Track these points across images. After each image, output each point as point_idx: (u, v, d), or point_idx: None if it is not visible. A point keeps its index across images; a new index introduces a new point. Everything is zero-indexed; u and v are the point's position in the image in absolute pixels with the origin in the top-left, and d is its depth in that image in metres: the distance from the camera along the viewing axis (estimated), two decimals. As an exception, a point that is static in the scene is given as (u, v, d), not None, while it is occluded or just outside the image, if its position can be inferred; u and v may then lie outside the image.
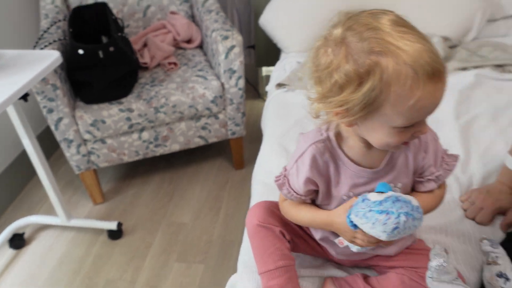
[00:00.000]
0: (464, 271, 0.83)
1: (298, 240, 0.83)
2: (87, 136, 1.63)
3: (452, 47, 1.66)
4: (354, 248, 0.71)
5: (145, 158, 2.00)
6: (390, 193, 0.64)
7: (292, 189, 0.75)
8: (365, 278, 0.79)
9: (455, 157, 0.75)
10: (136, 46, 1.85)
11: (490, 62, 1.52)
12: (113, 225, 1.64)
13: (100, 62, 1.53)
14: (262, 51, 2.31)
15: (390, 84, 0.55)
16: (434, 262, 0.69)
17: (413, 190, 0.76)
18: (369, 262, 0.82)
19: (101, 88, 1.58)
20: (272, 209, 0.84)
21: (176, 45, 1.97)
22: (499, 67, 1.51)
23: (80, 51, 1.49)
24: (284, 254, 0.79)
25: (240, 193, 1.89)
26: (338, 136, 0.71)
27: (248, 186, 1.89)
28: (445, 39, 1.66)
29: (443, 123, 1.26)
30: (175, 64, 1.82)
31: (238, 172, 2.00)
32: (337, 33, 0.59)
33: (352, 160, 0.71)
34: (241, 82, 1.73)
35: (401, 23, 0.56)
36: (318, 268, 0.84)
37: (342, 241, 0.72)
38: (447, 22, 1.69)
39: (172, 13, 1.98)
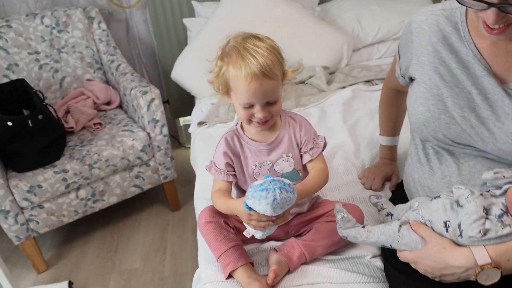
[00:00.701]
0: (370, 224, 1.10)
1: (240, 225, 1.04)
2: (24, 204, 1.68)
3: (332, 73, 2.07)
4: (257, 235, 0.92)
5: (83, 219, 2.06)
6: (269, 177, 0.87)
7: (216, 166, 1.02)
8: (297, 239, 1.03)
9: (322, 138, 1.04)
10: (59, 114, 1.97)
11: (361, 79, 1.94)
12: (64, 285, 1.67)
13: (29, 131, 1.63)
14: (177, 103, 2.56)
15: (230, 76, 0.92)
16: (339, 216, 0.95)
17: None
18: (293, 222, 1.07)
19: (33, 155, 1.67)
20: (214, 209, 1.05)
21: (97, 108, 2.13)
22: (368, 82, 1.94)
23: (9, 123, 1.59)
24: (231, 238, 1.00)
25: (182, 230, 2.03)
26: (243, 127, 1.02)
27: (188, 223, 2.06)
28: (325, 68, 2.07)
29: (335, 129, 1.59)
30: (100, 124, 1.97)
31: (176, 213, 2.14)
32: (226, 42, 0.95)
33: (252, 139, 1.01)
34: (165, 130, 1.93)
35: (258, 46, 0.90)
36: (262, 245, 1.06)
37: (248, 232, 0.93)
38: (325, 55, 2.10)
39: (88, 80, 2.15)
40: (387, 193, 1.25)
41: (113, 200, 1.91)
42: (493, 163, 0.89)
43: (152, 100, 1.86)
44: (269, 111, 0.94)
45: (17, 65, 2.03)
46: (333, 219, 0.98)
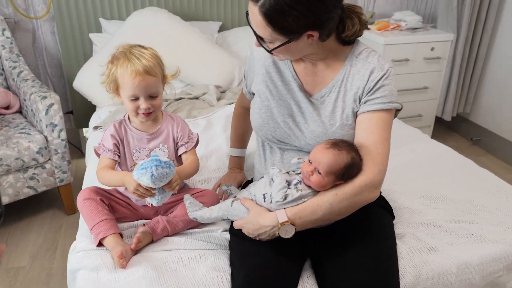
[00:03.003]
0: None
1: (115, 204, 1.23)
2: None
3: (223, 91, 2.35)
4: (154, 202, 1.13)
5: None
6: (155, 157, 1.09)
7: (105, 146, 1.21)
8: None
9: (196, 134, 1.29)
10: (-48, 115, 2.00)
11: (247, 98, 2.24)
12: None
13: None
14: (80, 114, 2.66)
15: (118, 75, 1.15)
16: (187, 203, 1.19)
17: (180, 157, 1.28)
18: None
19: None
20: (93, 189, 1.23)
21: (-5, 111, 2.17)
22: (253, 100, 2.25)
23: None
24: (105, 213, 1.18)
25: (75, 232, 2.08)
26: (130, 119, 1.24)
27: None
28: (218, 87, 2.35)
29: (215, 136, 1.85)
30: (-4, 126, 2.03)
31: (71, 216, 2.22)
32: (116, 50, 1.17)
33: (136, 128, 1.22)
34: (63, 134, 2.05)
35: (142, 52, 1.15)
36: (133, 222, 1.25)
37: (148, 202, 1.14)
38: (219, 76, 2.38)
39: (-12, 84, 2.20)
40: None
41: (4, 200, 1.95)
42: (306, 154, 1.19)
43: (51, 105, 1.97)
44: (152, 103, 1.16)
45: None
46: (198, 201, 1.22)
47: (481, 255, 1.16)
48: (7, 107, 2.22)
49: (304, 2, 0.96)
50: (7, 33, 2.30)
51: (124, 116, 1.26)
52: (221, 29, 2.74)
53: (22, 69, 2.24)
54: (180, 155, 1.26)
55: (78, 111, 2.66)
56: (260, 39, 1.07)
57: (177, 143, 1.26)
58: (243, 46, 2.56)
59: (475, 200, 1.40)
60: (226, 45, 2.59)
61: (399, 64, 2.68)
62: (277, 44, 1.04)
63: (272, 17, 0.98)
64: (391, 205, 1.31)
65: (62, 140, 2.05)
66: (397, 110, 1.15)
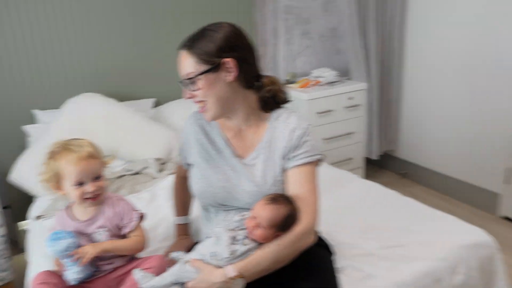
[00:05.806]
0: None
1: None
2: None
3: (164, 163, 2.43)
4: (70, 278, 1.21)
5: None
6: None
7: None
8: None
9: (137, 213, 1.32)
10: None
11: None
12: None
13: None
14: (16, 208, 2.57)
15: (61, 166, 1.20)
16: (138, 276, 1.20)
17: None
18: (112, 276, 1.29)
19: None
20: (48, 273, 1.24)
21: None
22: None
23: None
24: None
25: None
26: (69, 207, 1.30)
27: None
28: (158, 159, 2.42)
29: (162, 206, 1.90)
30: None
31: (15, 317, 2.09)
32: (51, 148, 1.23)
33: (73, 216, 1.27)
34: (1, 230, 1.98)
35: (80, 142, 1.23)
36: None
37: (66, 279, 1.21)
38: (157, 149, 2.46)
39: None
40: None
41: None
42: (247, 211, 1.28)
43: (-13, 202, 1.93)
44: (98, 185, 1.22)
45: None
46: (146, 267, 1.25)
47: (414, 273, 1.29)
48: None
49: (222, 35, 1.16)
50: None
51: (63, 208, 1.31)
52: (156, 104, 2.87)
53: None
54: (125, 235, 1.30)
55: (15, 204, 2.58)
56: (186, 83, 1.18)
57: (120, 224, 1.29)
58: (178, 117, 2.68)
59: (403, 226, 1.56)
60: (162, 118, 2.71)
61: (324, 115, 2.94)
62: (199, 83, 1.15)
63: (191, 45, 1.16)
64: (333, 244, 1.42)
65: (2, 236, 1.98)
66: (320, 160, 1.30)
